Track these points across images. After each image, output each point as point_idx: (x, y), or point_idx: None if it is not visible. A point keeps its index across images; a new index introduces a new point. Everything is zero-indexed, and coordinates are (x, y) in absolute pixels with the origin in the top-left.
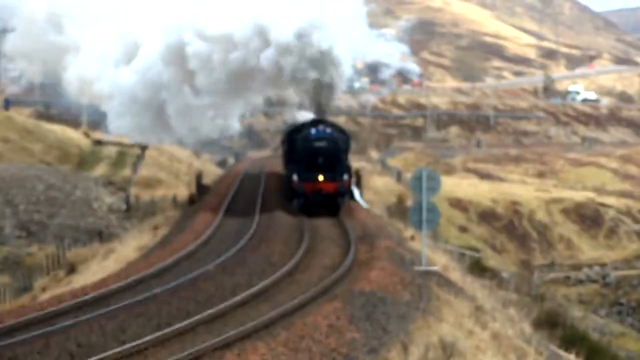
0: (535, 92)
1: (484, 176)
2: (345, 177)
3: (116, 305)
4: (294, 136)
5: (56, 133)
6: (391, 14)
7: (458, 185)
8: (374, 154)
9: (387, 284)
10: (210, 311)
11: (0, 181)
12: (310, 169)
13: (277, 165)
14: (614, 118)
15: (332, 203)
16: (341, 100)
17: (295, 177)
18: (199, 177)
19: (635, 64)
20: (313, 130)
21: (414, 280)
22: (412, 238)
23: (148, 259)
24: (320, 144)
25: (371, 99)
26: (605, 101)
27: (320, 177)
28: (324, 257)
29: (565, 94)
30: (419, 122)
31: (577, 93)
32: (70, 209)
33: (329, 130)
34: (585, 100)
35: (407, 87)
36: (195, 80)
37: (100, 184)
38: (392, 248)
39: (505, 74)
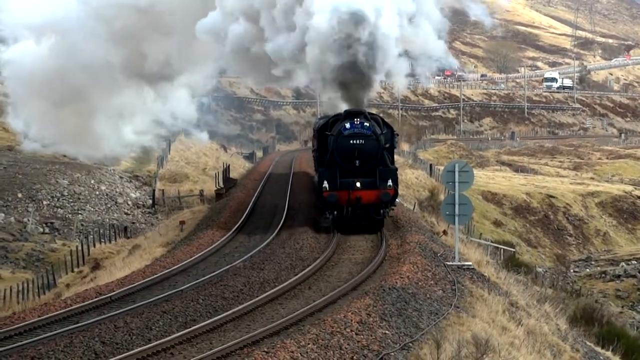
0: (571, 83)
1: (518, 169)
2: (390, 182)
3: (142, 302)
4: (325, 132)
5: None
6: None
7: (491, 178)
8: (405, 147)
9: (419, 279)
10: (238, 307)
11: (23, 176)
12: (345, 174)
13: (306, 158)
14: None
15: (373, 216)
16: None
17: (326, 185)
18: (226, 171)
19: None
20: (347, 125)
21: (447, 275)
22: (445, 232)
23: (174, 255)
24: (357, 141)
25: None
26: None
27: (358, 184)
28: (354, 252)
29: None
30: (452, 113)
31: (554, 80)
32: (94, 204)
33: (367, 124)
34: (561, 87)
35: (438, 77)
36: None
37: (125, 179)
38: (424, 243)
39: (540, 64)
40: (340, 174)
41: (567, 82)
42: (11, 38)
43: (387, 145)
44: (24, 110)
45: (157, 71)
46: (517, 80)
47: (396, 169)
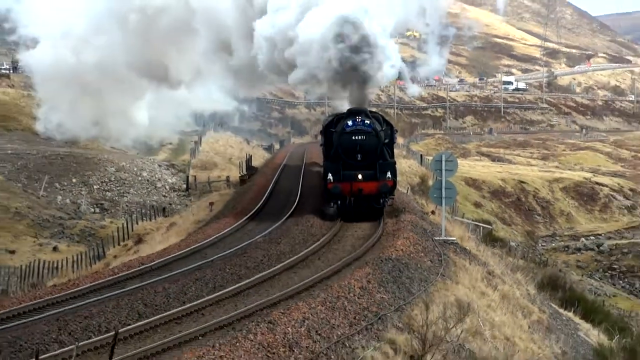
0: (540, 87)
1: (495, 159)
2: (389, 175)
3: (177, 270)
4: (330, 129)
5: None
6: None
7: (472, 167)
8: (400, 140)
9: (411, 251)
10: (258, 275)
11: (77, 164)
12: (348, 167)
13: (316, 149)
14: (608, 109)
15: (373, 206)
16: (371, 93)
17: (330, 177)
18: (249, 160)
19: (627, 61)
20: (350, 122)
21: (434, 248)
22: (433, 212)
23: (204, 231)
24: (359, 137)
25: (418, 90)
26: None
27: (360, 176)
28: (357, 229)
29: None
30: (439, 112)
31: (510, 83)
32: (137, 188)
33: (368, 121)
34: (516, 89)
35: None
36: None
37: (164, 167)
38: (415, 221)
39: (514, 70)
40: (344, 167)
41: (521, 85)
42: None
43: (387, 141)
44: (54, 104)
45: (176, 79)
46: (495, 84)
47: (394, 163)
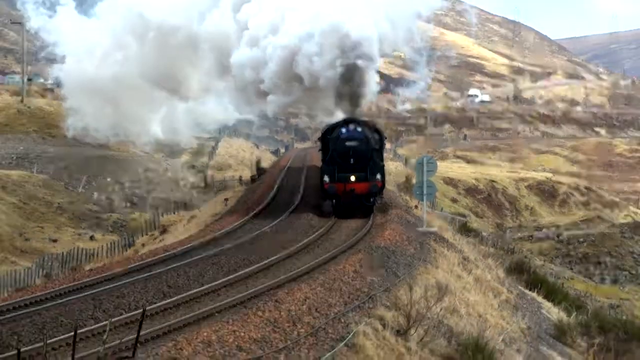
0: (507, 99)
1: (469, 161)
2: (378, 176)
3: (197, 256)
4: (327, 136)
5: None
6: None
7: (450, 168)
8: (388, 145)
9: (397, 240)
10: (266, 261)
11: (111, 166)
12: (342, 169)
13: (317, 154)
14: (565, 118)
15: (364, 204)
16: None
17: (327, 178)
18: (258, 162)
19: (581, 78)
20: (344, 130)
21: (417, 237)
22: (416, 207)
23: (220, 223)
24: (352, 143)
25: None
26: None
27: (352, 178)
28: (351, 221)
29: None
30: (421, 121)
31: (476, 96)
32: (163, 186)
33: (360, 129)
34: (482, 102)
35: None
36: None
37: (185, 168)
38: (401, 214)
39: (485, 85)
40: (338, 170)
41: (485, 97)
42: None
43: (377, 147)
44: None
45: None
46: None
47: (383, 166)
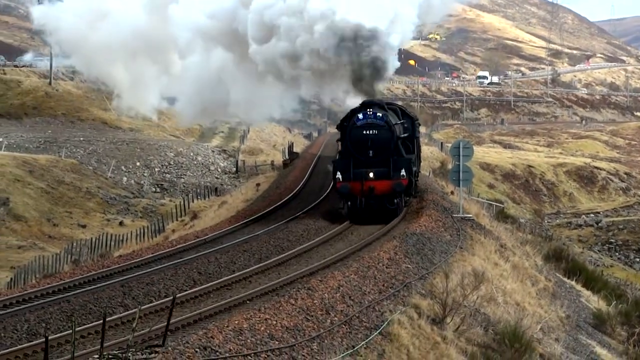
0: (545, 83)
1: (506, 146)
2: (403, 172)
3: (228, 243)
4: (344, 123)
5: None
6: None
7: (487, 153)
8: (423, 130)
9: (433, 227)
10: (299, 247)
11: (140, 150)
12: (358, 164)
13: None
14: (605, 102)
15: (386, 207)
16: (398, 89)
17: (339, 175)
18: (290, 146)
19: (621, 61)
20: (361, 115)
21: (453, 224)
22: (452, 193)
23: (252, 208)
24: (370, 131)
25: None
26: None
27: (371, 174)
28: None
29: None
30: (457, 105)
31: (485, 78)
32: (193, 171)
33: (380, 114)
34: (491, 83)
35: (447, 78)
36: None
37: (216, 152)
38: (436, 200)
39: (522, 69)
40: (354, 165)
41: (495, 79)
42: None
43: (405, 135)
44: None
45: None
46: (506, 81)
47: (410, 159)
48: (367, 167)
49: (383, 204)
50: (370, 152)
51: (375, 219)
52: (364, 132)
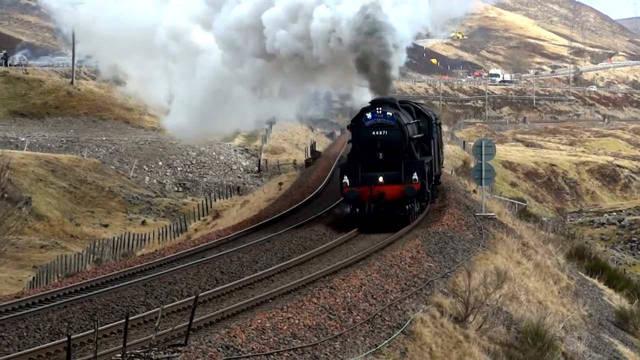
0: (567, 81)
1: (529, 144)
2: (415, 176)
3: (250, 242)
4: (352, 124)
5: None
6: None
7: (509, 151)
8: (445, 128)
9: (455, 225)
10: (321, 246)
11: (163, 149)
12: (367, 167)
13: None
14: (627, 100)
15: (397, 213)
16: (420, 87)
17: (346, 180)
18: (313, 145)
19: None
20: (369, 115)
21: (476, 223)
22: (474, 191)
23: (274, 208)
24: (380, 132)
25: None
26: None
27: (381, 179)
28: None
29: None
30: (479, 103)
31: (497, 76)
32: (215, 170)
33: (391, 112)
34: (502, 81)
35: (469, 77)
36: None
37: (238, 151)
38: (459, 199)
39: (544, 67)
40: (363, 168)
41: (507, 77)
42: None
43: (421, 135)
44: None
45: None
46: (528, 79)
47: (423, 162)
48: (377, 171)
49: (393, 211)
50: (380, 154)
51: (385, 226)
52: (373, 132)
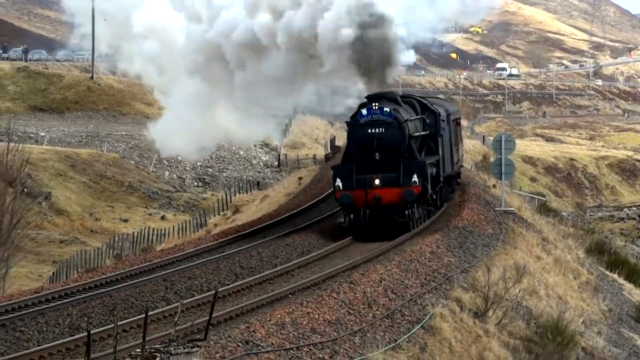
0: (587, 76)
1: (548, 139)
2: (414, 179)
3: (270, 237)
4: (349, 121)
5: None
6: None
7: (529, 146)
8: (465, 123)
9: (475, 220)
10: (340, 241)
11: None
12: (362, 169)
13: None
14: None
15: (395, 219)
16: (440, 82)
17: (339, 184)
18: (332, 140)
19: None
20: (364, 111)
21: (495, 218)
22: (494, 186)
23: (294, 202)
24: (376, 130)
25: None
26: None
27: (377, 181)
28: None
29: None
30: (499, 98)
31: (504, 69)
32: (235, 165)
33: (388, 109)
34: (510, 75)
35: (489, 72)
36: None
37: (258, 146)
38: (478, 193)
39: (564, 62)
40: (357, 170)
41: (514, 71)
42: None
43: (425, 133)
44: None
45: None
46: (548, 74)
47: (424, 162)
48: (373, 173)
49: (391, 217)
50: (377, 154)
51: (382, 234)
52: (369, 130)
